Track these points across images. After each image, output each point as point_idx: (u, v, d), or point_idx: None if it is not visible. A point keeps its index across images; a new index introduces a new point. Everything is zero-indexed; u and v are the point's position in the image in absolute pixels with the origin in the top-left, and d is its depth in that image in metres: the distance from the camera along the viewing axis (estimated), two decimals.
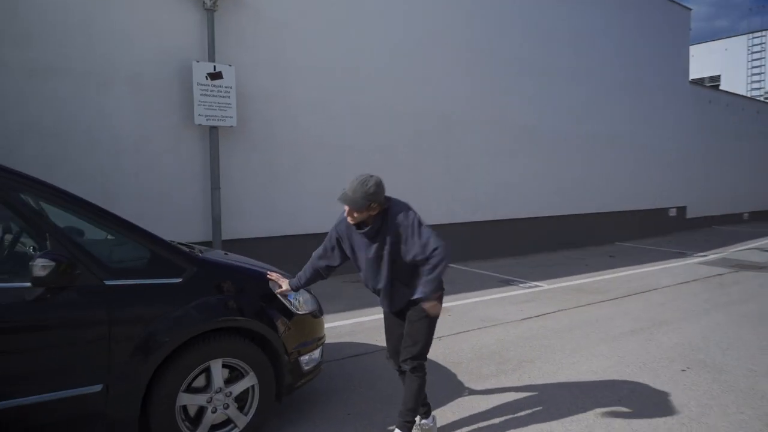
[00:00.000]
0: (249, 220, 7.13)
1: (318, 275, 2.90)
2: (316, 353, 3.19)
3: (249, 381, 2.78)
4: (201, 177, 6.75)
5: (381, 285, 2.73)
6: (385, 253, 2.62)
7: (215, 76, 6.65)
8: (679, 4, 14.42)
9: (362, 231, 2.65)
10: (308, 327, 3.12)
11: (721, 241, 13.08)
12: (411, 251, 2.58)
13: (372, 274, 2.73)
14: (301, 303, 3.10)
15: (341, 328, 5.26)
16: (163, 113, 6.45)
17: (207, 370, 2.64)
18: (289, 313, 2.98)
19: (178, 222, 6.56)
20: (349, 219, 2.62)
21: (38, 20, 5.62)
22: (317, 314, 3.25)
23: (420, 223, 2.60)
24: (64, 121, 5.82)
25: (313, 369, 3.16)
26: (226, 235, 6.84)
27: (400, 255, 2.62)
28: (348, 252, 2.79)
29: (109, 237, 2.62)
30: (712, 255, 10.65)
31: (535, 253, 10.67)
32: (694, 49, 23.01)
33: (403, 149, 8.66)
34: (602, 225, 12.31)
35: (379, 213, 2.61)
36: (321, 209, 7.74)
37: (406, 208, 2.65)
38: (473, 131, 9.61)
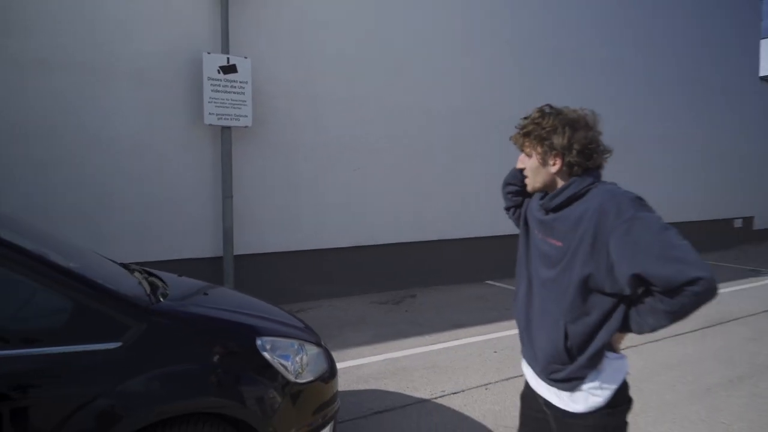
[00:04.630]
0: (265, 232, 6.32)
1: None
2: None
3: None
4: (211, 183, 6.00)
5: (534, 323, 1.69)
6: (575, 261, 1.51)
7: (229, 69, 5.89)
8: None
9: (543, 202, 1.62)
10: (313, 399, 2.25)
11: None
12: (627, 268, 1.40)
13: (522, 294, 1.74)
14: (303, 365, 2.24)
15: (365, 367, 4.33)
16: (170, 111, 5.73)
17: None
18: (284, 383, 2.12)
19: (184, 234, 5.83)
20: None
21: (29, 6, 4.98)
22: (327, 376, 2.39)
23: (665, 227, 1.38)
24: (56, 119, 5.15)
25: None
26: (239, 249, 6.06)
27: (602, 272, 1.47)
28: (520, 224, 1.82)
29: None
30: None
31: None
32: (765, 44, 20.78)
33: (441, 154, 7.70)
34: None
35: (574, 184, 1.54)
36: (345, 221, 6.92)
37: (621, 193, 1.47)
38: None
